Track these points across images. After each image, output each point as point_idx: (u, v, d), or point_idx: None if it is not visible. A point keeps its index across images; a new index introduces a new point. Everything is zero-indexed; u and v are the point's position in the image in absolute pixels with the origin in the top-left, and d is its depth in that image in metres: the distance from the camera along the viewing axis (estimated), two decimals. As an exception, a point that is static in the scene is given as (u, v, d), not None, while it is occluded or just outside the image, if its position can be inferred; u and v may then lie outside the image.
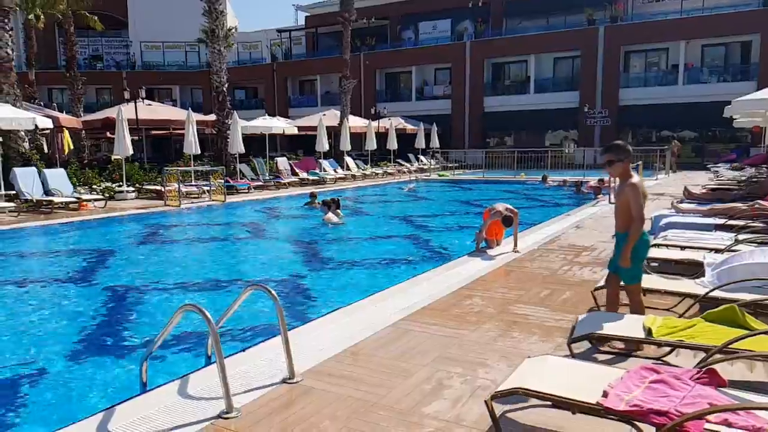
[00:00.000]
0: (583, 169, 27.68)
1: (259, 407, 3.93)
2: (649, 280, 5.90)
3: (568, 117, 37.61)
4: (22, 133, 18.45)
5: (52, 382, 5.23)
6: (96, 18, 32.56)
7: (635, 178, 4.89)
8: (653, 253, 7.42)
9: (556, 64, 39.60)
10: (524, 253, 9.22)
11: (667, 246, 7.89)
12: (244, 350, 5.07)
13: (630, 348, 4.69)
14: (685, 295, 5.60)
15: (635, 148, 30.05)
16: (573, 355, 4.46)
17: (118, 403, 4.02)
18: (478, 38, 41.55)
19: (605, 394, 3.19)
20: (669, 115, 34.82)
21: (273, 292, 4.39)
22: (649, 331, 4.26)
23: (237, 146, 22.20)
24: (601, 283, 5.92)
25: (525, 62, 40.03)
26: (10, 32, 18.49)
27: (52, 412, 4.60)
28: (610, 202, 16.06)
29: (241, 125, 22.83)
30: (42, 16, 30.29)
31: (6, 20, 18.34)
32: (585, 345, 4.75)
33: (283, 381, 4.33)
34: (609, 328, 4.43)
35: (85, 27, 33.91)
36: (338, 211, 14.79)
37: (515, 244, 9.41)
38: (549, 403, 3.33)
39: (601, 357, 4.65)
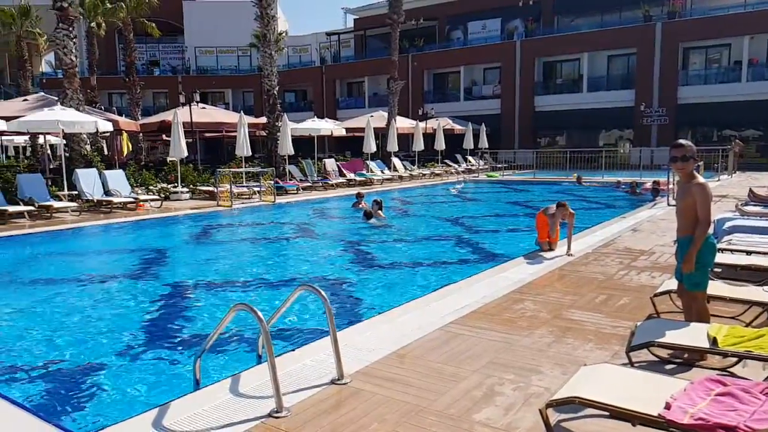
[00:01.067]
0: (639, 170, 26.94)
1: (309, 407, 3.92)
2: (712, 287, 5.63)
3: (623, 116, 36.58)
4: (85, 135, 19.16)
5: (109, 377, 5.36)
6: (153, 25, 33.63)
7: (702, 179, 4.69)
8: (717, 258, 7.10)
9: (611, 62, 38.60)
10: (578, 256, 8.98)
11: (731, 251, 7.55)
12: (293, 350, 5.09)
13: (693, 358, 4.48)
14: (752, 303, 5.32)
15: (695, 147, 29.27)
16: (632, 364, 4.28)
17: (172, 400, 4.08)
18: (528, 37, 40.95)
19: (667, 406, 3.04)
20: (731, 114, 33.45)
21: (322, 292, 4.38)
22: (714, 341, 4.04)
23: (286, 148, 22.48)
24: (661, 289, 5.70)
25: (577, 60, 39.17)
26: (74, 40, 19.24)
27: (109, 406, 4.71)
28: (669, 204, 15.53)
29: (290, 127, 23.10)
30: (103, 24, 31.52)
31: (71, 29, 19.08)
32: (644, 354, 4.56)
33: (332, 382, 4.31)
34: (671, 337, 4.23)
35: (144, 33, 35.07)
36: (380, 212, 14.85)
37: (569, 247, 9.19)
38: (607, 413, 3.20)
39: (662, 367, 4.46)
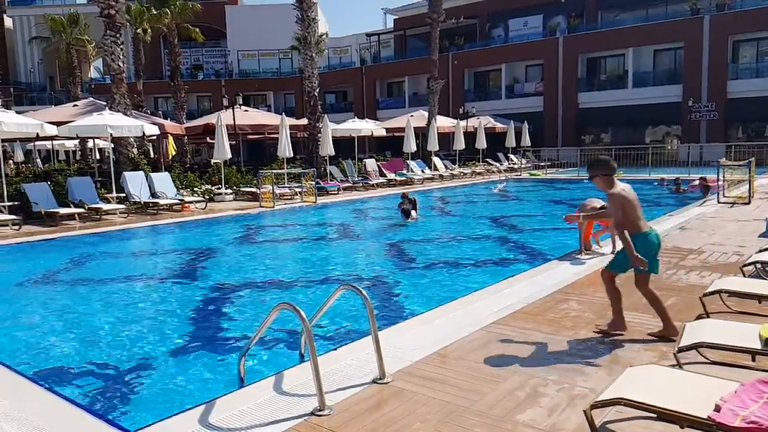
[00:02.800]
0: (687, 167, 26.21)
1: (351, 406, 3.95)
2: (764, 286, 5.45)
3: (671, 112, 35.64)
4: (132, 139, 19.66)
5: (157, 375, 5.49)
6: (197, 30, 34.36)
7: (615, 188, 5.17)
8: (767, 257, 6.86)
9: (657, 57, 37.65)
10: (623, 255, 8.77)
11: (784, 249, 7.26)
12: (335, 349, 5.13)
13: (743, 359, 4.33)
14: (807, 303, 5.12)
15: (746, 143, 28.27)
16: (680, 366, 4.17)
17: (218, 397, 4.17)
18: (571, 33, 40.28)
19: (717, 408, 2.95)
20: (784, 108, 32.26)
21: (364, 292, 4.40)
22: (765, 342, 3.92)
23: (327, 149, 22.65)
24: (711, 288, 5.53)
25: (622, 56, 38.36)
26: (121, 46, 19.79)
27: (157, 403, 4.82)
28: (718, 202, 15.08)
29: (331, 128, 23.28)
30: (149, 30, 32.34)
31: (118, 35, 19.64)
32: (693, 355, 4.44)
33: (374, 381, 4.33)
34: (721, 337, 4.11)
35: (188, 38, 35.87)
36: (413, 212, 15.04)
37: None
38: (654, 415, 3.12)
39: (712, 368, 4.32)
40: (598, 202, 9.11)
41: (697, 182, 19.14)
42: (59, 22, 35.50)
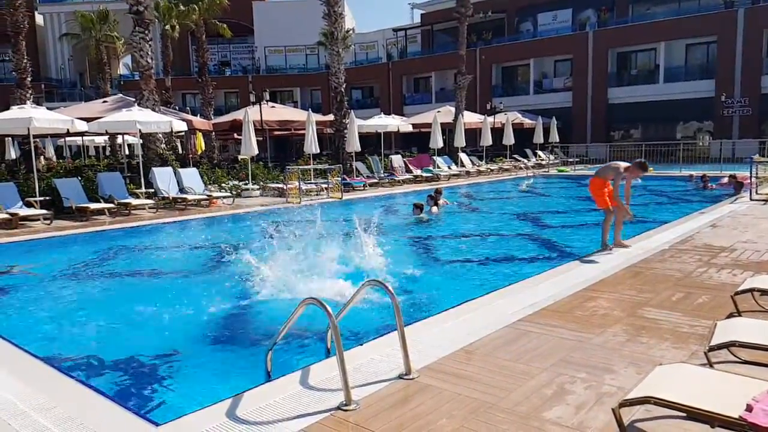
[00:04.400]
0: (719, 163, 25.68)
1: (377, 401, 3.96)
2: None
3: (703, 107, 34.94)
4: (160, 135, 19.93)
5: (185, 367, 5.58)
6: (225, 26, 34.65)
7: None
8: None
9: (689, 51, 36.91)
10: (654, 253, 8.67)
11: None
12: (361, 344, 5.14)
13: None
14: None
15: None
16: (711, 365, 4.10)
17: (245, 391, 4.20)
18: (601, 27, 39.70)
19: (749, 408, 2.89)
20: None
21: (389, 287, 4.41)
22: (800, 341, 3.84)
23: (354, 145, 22.69)
24: (743, 286, 5.43)
25: (653, 50, 37.68)
26: (149, 42, 20.04)
27: (183, 395, 4.90)
28: (751, 199, 14.76)
29: (357, 124, 23.30)
30: (177, 26, 32.70)
31: (146, 32, 19.88)
32: (724, 354, 4.36)
33: (400, 377, 4.33)
34: (753, 336, 4.03)
35: (215, 35, 36.20)
36: (434, 207, 15.22)
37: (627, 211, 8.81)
38: (683, 414, 3.08)
39: (743, 368, 4.24)
40: (622, 164, 8.85)
41: (726, 180, 18.75)
42: (89, 19, 36.09)
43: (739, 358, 4.36)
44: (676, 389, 3.19)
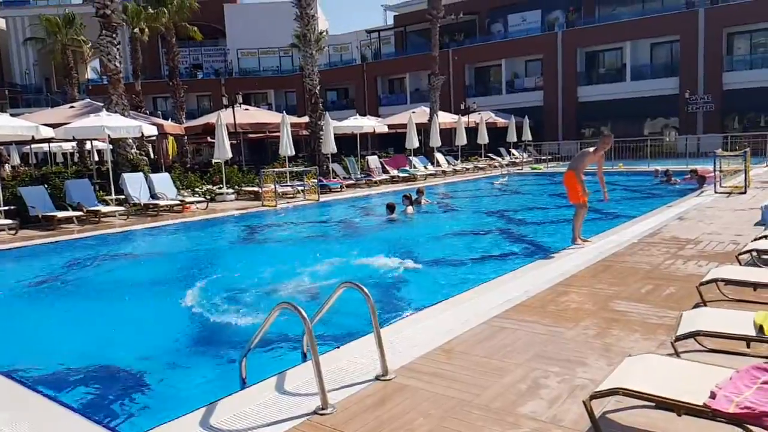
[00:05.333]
0: (685, 158, 26.22)
1: (354, 404, 3.98)
2: (760, 274, 5.50)
3: (668, 104, 35.72)
4: (131, 140, 19.64)
5: (157, 378, 5.53)
6: (196, 28, 34.30)
7: None
8: (764, 245, 6.92)
9: (654, 50, 37.73)
10: (624, 246, 8.84)
11: (780, 237, 7.31)
12: (338, 347, 5.14)
13: (739, 346, 4.39)
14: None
15: (742, 133, 28.24)
16: (678, 354, 4.22)
17: (219, 399, 4.15)
18: (569, 27, 40.27)
19: (713, 395, 3.00)
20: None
21: (365, 289, 4.40)
22: (760, 329, 3.97)
23: (329, 146, 22.68)
24: (708, 277, 5.58)
25: (620, 49, 38.41)
26: (118, 46, 19.77)
27: (157, 406, 4.85)
28: (716, 192, 15.13)
29: (332, 126, 23.30)
30: (146, 30, 32.26)
31: (114, 35, 19.60)
32: (690, 343, 4.49)
33: (377, 378, 4.36)
34: (717, 325, 4.16)
35: (186, 38, 35.80)
36: (410, 207, 15.25)
37: (604, 194, 9.40)
38: (652, 403, 3.18)
39: (708, 356, 4.37)
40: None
41: (689, 175, 19.19)
42: (54, 23, 35.35)
43: (705, 347, 4.49)
44: (644, 379, 3.28)
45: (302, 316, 3.95)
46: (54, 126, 17.37)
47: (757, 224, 10.03)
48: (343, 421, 3.73)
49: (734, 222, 10.61)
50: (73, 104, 23.78)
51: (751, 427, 2.89)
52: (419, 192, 17.47)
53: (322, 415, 3.82)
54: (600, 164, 9.24)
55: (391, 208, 14.79)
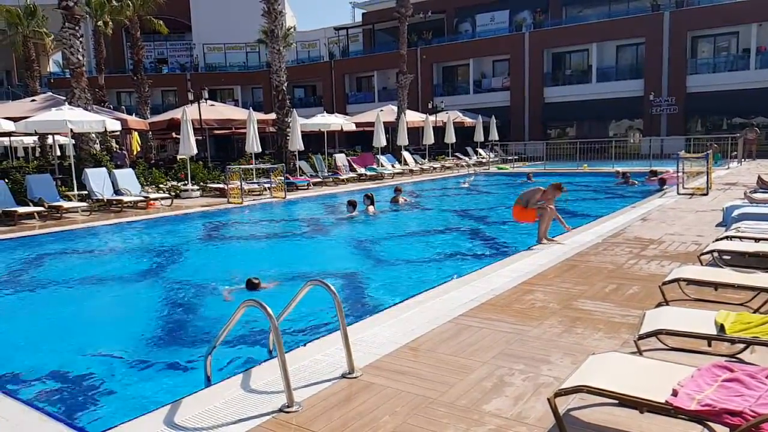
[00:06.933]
0: (649, 159, 26.78)
1: (320, 401, 3.96)
2: (721, 274, 5.63)
3: (633, 106, 36.36)
4: (93, 135, 19.23)
5: (120, 375, 5.43)
6: (161, 22, 33.68)
7: None
8: (725, 245, 7.09)
9: (619, 52, 38.39)
10: (588, 246, 8.98)
11: (740, 238, 7.51)
12: (304, 345, 5.11)
13: (701, 345, 4.49)
14: (759, 290, 5.29)
15: (705, 136, 29.01)
16: (640, 353, 4.29)
17: (184, 397, 4.11)
18: (536, 28, 40.76)
19: (675, 393, 3.05)
20: (740, 102, 33.16)
21: (332, 287, 4.39)
22: (721, 328, 4.06)
23: (296, 144, 22.52)
24: (670, 277, 5.69)
25: (586, 51, 38.96)
26: (80, 39, 19.32)
27: (121, 404, 4.77)
28: (678, 193, 15.48)
29: (300, 123, 23.13)
30: (110, 23, 31.55)
31: (77, 28, 19.15)
32: (653, 342, 4.57)
33: (343, 376, 4.34)
34: (679, 324, 4.24)
35: (151, 31, 35.12)
36: (371, 206, 15.18)
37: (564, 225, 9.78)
38: (615, 401, 3.22)
39: (670, 354, 4.46)
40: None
41: (649, 176, 19.64)
42: (15, 14, 34.30)
43: (667, 345, 4.58)
44: (607, 377, 3.32)
45: (268, 314, 3.92)
46: (15, 120, 16.99)
47: (718, 225, 10.28)
48: (309, 419, 3.71)
49: (696, 223, 10.87)
50: (35, 98, 23.15)
51: (712, 424, 2.95)
52: (397, 190, 17.45)
53: (288, 413, 3.80)
54: (550, 204, 9.43)
55: (352, 204, 14.73)
